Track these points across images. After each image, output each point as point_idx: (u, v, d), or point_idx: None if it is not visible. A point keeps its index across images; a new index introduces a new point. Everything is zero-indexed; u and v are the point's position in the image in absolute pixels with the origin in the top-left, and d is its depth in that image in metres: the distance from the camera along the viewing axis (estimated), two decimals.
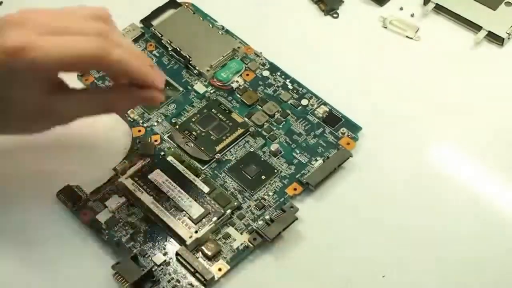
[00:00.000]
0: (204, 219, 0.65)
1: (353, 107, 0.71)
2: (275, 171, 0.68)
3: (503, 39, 0.75)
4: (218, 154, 0.69)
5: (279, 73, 0.74)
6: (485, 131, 0.71)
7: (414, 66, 0.75)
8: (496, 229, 0.65)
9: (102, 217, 0.66)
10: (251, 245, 0.64)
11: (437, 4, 0.78)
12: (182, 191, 0.66)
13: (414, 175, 0.68)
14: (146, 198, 0.66)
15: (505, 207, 0.67)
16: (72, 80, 0.74)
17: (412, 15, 0.79)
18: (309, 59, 0.76)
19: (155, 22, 0.78)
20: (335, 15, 0.79)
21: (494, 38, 0.76)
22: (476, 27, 0.76)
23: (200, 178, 0.67)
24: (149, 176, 0.67)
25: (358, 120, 0.71)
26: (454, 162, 0.69)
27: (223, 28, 0.77)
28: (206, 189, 0.66)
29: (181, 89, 0.73)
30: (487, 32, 0.75)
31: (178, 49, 0.75)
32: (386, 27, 0.78)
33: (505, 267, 0.63)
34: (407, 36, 0.77)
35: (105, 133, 0.72)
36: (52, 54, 0.57)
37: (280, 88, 0.73)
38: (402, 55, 0.75)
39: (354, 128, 0.70)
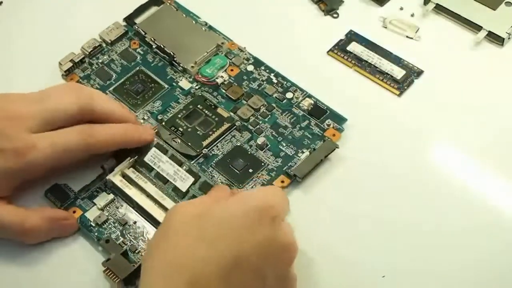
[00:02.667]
0: None
1: (341, 100, 0.72)
2: (262, 164, 0.68)
3: (503, 39, 0.75)
4: (205, 149, 0.69)
5: (263, 68, 0.75)
6: (484, 131, 0.71)
7: (413, 66, 0.75)
8: (495, 225, 0.65)
9: (91, 214, 0.66)
10: None
11: (437, 4, 0.78)
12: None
13: (402, 165, 0.69)
14: (135, 194, 0.66)
15: (502, 205, 0.67)
16: (57, 80, 0.75)
17: (412, 15, 0.79)
18: (306, 57, 0.76)
19: (138, 20, 0.78)
20: (335, 15, 0.79)
21: (494, 38, 0.76)
22: (476, 27, 0.76)
23: (184, 167, 0.67)
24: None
25: (347, 114, 0.71)
26: (447, 158, 0.70)
27: (206, 24, 0.78)
28: (190, 179, 0.66)
29: (166, 86, 0.74)
30: (487, 32, 0.76)
31: (162, 46, 0.75)
32: (386, 27, 0.78)
33: (504, 266, 0.64)
34: (407, 36, 0.77)
35: None
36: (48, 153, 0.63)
37: (264, 82, 0.74)
38: (402, 55, 0.75)
39: (339, 119, 0.71)
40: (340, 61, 0.76)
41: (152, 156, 0.68)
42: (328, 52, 0.76)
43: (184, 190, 0.66)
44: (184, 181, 0.66)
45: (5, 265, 0.65)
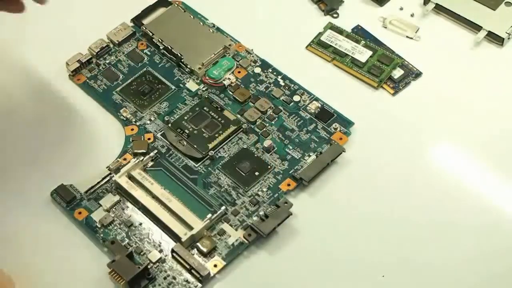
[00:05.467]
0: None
1: (346, 103, 0.72)
2: (269, 167, 0.68)
3: (503, 39, 0.75)
4: (211, 152, 0.69)
5: (270, 70, 0.74)
6: (484, 130, 0.71)
7: (413, 66, 0.75)
8: (496, 226, 0.65)
9: (97, 215, 0.66)
10: (246, 241, 0.64)
11: (437, 4, 0.78)
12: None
13: (407, 169, 0.69)
14: (140, 196, 0.66)
15: (503, 205, 0.67)
16: (64, 80, 0.75)
17: (412, 15, 0.79)
18: (305, 57, 0.76)
19: (146, 21, 0.78)
20: (335, 15, 0.79)
21: (494, 38, 0.76)
22: (476, 27, 0.76)
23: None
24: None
25: (351, 115, 0.71)
26: (451, 160, 0.70)
27: (213, 25, 0.78)
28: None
29: (173, 87, 0.74)
30: (487, 32, 0.76)
31: (169, 47, 0.75)
32: (386, 27, 0.78)
33: (504, 265, 0.64)
34: (407, 36, 0.77)
35: (98, 132, 0.72)
36: None
37: (272, 85, 0.73)
38: (402, 55, 0.75)
39: (346, 123, 0.71)
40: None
41: None
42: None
43: None
44: None
45: (8, 266, 0.64)
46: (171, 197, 0.66)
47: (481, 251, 0.64)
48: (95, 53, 0.75)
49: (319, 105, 0.72)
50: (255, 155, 0.69)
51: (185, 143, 0.70)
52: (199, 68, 0.74)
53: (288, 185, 0.67)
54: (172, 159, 0.69)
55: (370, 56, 0.74)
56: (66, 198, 0.66)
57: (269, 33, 0.78)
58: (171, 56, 0.75)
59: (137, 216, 0.66)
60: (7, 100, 0.74)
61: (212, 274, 0.63)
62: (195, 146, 0.69)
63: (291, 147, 0.69)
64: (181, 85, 0.74)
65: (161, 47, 0.76)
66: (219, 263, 0.63)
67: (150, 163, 0.69)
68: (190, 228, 0.64)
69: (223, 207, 0.66)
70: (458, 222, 0.66)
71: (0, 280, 0.61)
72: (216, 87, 0.73)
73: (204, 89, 0.73)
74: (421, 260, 0.64)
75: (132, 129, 0.71)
